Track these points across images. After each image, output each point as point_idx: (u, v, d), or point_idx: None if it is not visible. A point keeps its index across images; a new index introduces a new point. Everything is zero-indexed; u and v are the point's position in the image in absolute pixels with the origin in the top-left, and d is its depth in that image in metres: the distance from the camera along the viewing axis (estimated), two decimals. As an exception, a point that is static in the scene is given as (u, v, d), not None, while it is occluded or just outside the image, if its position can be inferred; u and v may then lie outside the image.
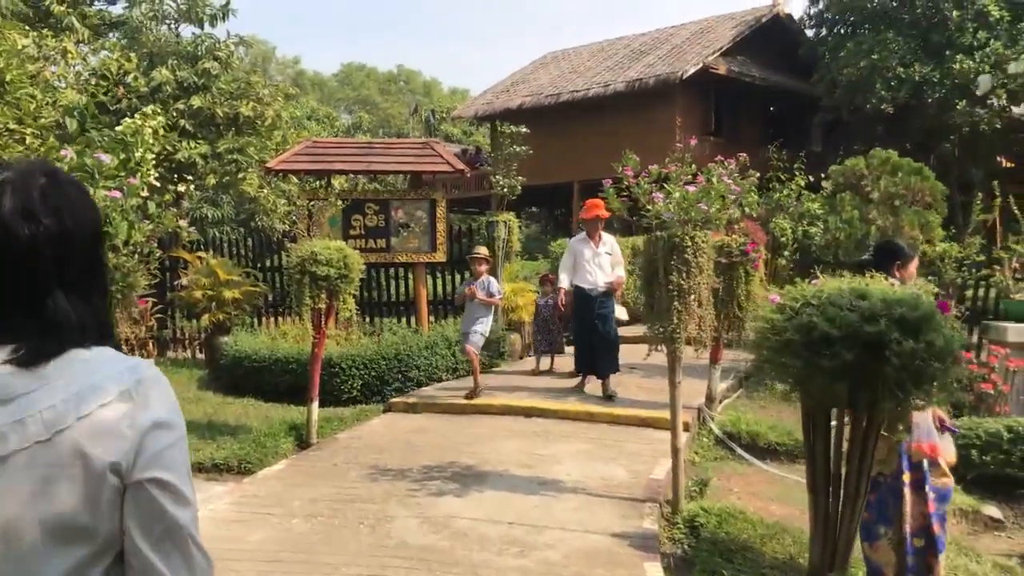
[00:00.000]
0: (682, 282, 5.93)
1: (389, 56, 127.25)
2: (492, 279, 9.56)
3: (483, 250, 9.72)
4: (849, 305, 2.79)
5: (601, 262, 9.38)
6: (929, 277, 10.47)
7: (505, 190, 11.94)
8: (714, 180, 5.93)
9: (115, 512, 1.24)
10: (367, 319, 12.93)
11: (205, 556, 1.32)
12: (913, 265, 4.62)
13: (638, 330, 13.80)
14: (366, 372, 9.82)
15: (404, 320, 13.21)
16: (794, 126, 26.03)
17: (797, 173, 10.31)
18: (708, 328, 6.19)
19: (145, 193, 5.13)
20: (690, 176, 6.09)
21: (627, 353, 9.68)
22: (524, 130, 12.28)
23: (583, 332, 9.47)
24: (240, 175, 15.58)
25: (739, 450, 7.98)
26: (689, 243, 5.93)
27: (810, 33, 26.60)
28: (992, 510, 7.30)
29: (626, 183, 6.15)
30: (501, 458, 7.28)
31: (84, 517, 1.22)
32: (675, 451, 6.22)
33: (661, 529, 5.89)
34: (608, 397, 9.19)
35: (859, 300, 2.80)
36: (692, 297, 5.98)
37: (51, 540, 1.20)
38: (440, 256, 12.03)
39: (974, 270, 10.85)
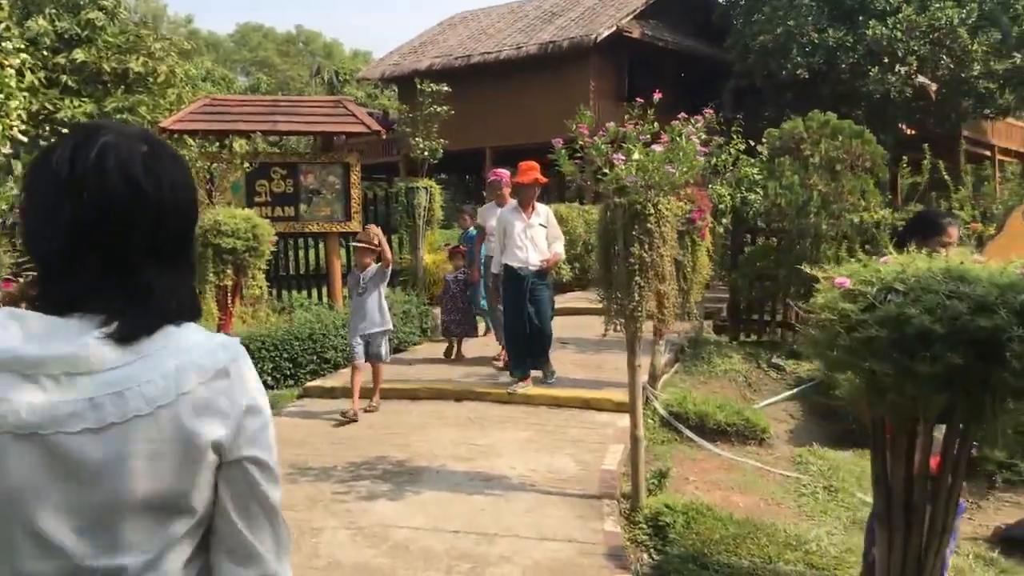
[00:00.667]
0: (644, 254, 5.31)
1: (287, 16, 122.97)
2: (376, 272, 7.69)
3: (368, 236, 7.82)
4: (949, 292, 2.15)
5: (534, 235, 7.98)
6: (866, 246, 10.17)
7: (425, 153, 11.08)
8: (681, 139, 5.27)
9: (210, 489, 1.25)
10: (275, 294, 11.95)
11: (289, 534, 1.37)
12: (951, 237, 4.01)
13: (567, 300, 13.27)
14: (277, 354, 8.88)
15: (316, 294, 12.27)
16: (705, 92, 25.78)
17: (735, 137, 9.80)
18: (671, 305, 5.59)
19: (8, 150, 4.16)
20: (649, 136, 5.43)
21: (558, 325, 8.89)
22: (445, 88, 11.43)
23: (517, 321, 8.00)
24: (131, 137, 14.19)
25: (688, 433, 7.45)
26: (652, 211, 5.31)
27: (722, -1, 26.36)
28: (951, 490, 6.96)
29: (580, 143, 5.44)
30: (436, 451, 6.55)
31: (184, 494, 1.21)
32: (635, 441, 5.61)
33: (623, 530, 5.28)
34: (546, 379, 8.26)
35: (959, 284, 2.17)
36: (654, 271, 5.38)
37: (151, 516, 1.20)
38: (355, 225, 11.11)
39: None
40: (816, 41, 21.01)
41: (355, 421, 7.32)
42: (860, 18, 20.98)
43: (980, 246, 9.18)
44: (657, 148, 5.21)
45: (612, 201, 5.42)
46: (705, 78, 26.10)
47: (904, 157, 11.51)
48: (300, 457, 6.39)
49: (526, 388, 7.97)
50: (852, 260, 8.34)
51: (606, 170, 5.40)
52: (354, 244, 8.25)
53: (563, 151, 5.64)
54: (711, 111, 5.67)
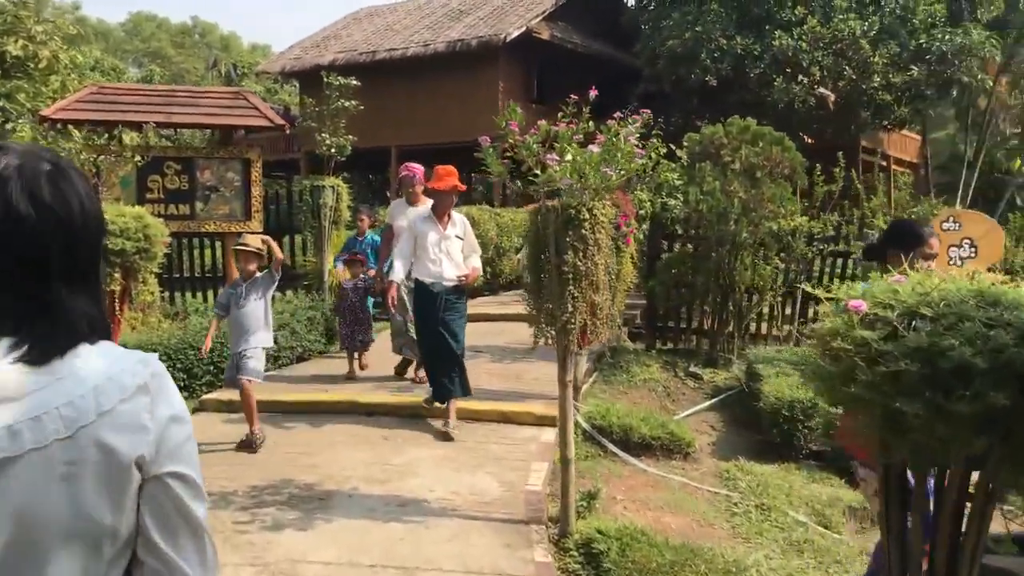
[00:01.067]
0: (578, 262, 4.96)
1: (182, 6, 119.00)
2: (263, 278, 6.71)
3: (254, 240, 6.78)
4: (987, 319, 1.83)
5: (450, 248, 7.07)
6: (781, 253, 10.11)
7: (332, 150, 10.50)
8: (620, 140, 4.93)
9: (134, 508, 1.22)
10: (168, 297, 11.16)
11: (215, 551, 1.33)
12: (933, 248, 3.70)
13: (479, 306, 12.86)
14: (170, 364, 8.11)
15: (212, 298, 11.52)
16: (614, 96, 25.79)
17: (656, 140, 9.53)
18: (604, 316, 5.24)
19: None
20: (582, 135, 5.08)
21: (469, 332, 8.29)
22: (354, 82, 10.87)
23: (431, 340, 7.08)
24: (9, 125, 13.09)
25: (613, 448, 7.15)
26: (587, 216, 4.96)
27: (631, 2, 26.44)
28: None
29: (511, 141, 5.05)
30: (347, 472, 6.04)
31: (109, 515, 1.17)
32: (566, 463, 5.24)
33: (553, 559, 4.90)
34: (444, 436, 6.94)
35: (999, 310, 1.85)
36: (588, 280, 5.03)
37: (73, 541, 1.15)
38: (255, 225, 10.46)
39: (825, 245, 10.64)
40: (724, 48, 21.21)
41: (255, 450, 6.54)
42: (767, 27, 21.27)
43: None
44: (593, 149, 4.87)
45: (544, 205, 5.06)
46: (613, 82, 26.07)
47: (818, 165, 11.52)
48: (196, 480, 5.79)
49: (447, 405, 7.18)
50: (768, 267, 8.18)
51: (537, 171, 5.03)
52: (236, 248, 6.94)
53: (491, 150, 5.24)
54: (647, 111, 5.34)
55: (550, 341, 5.16)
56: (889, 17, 21.32)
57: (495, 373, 8.82)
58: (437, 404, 7.24)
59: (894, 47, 21.04)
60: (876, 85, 21.28)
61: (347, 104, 10.66)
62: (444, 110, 23.81)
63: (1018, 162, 28.20)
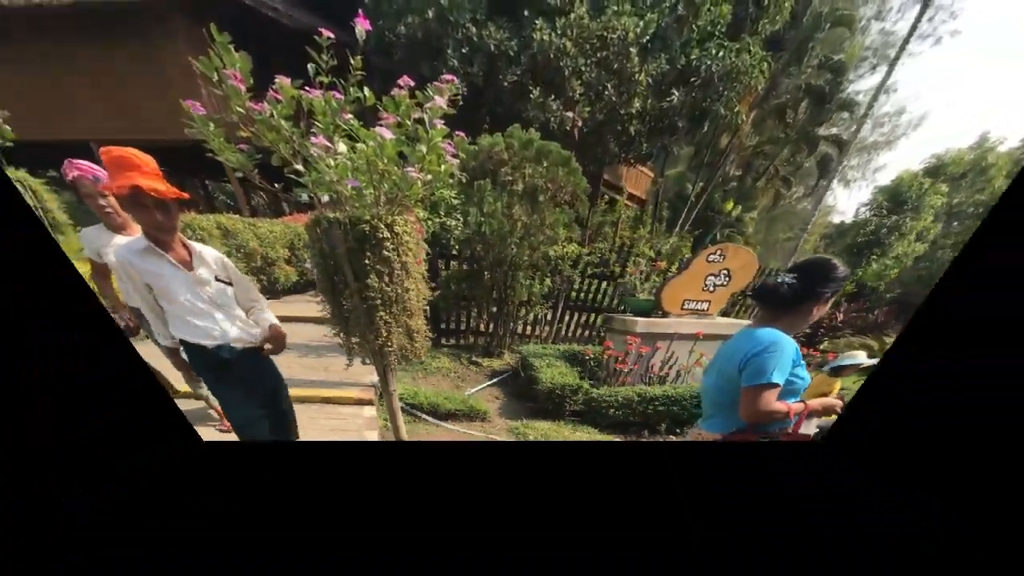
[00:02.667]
0: (385, 287, 4.22)
1: None
2: None
3: None
4: None
5: (216, 296, 3.39)
6: (550, 275, 10.46)
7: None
8: (424, 124, 3.66)
9: None
10: None
11: None
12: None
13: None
14: None
15: None
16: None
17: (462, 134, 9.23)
18: (422, 338, 5.05)
19: None
20: (350, 110, 3.57)
21: None
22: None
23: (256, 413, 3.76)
24: None
25: (426, 416, 7.82)
26: (387, 234, 3.97)
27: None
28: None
29: (238, 108, 3.28)
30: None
31: None
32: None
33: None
34: None
35: None
36: (401, 305, 4.46)
37: None
38: None
39: (589, 268, 11.08)
40: (475, 41, 16.92)
41: None
42: (526, 13, 16.93)
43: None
44: (384, 133, 3.50)
45: (323, 217, 3.94)
46: (332, 73, 23.58)
47: (605, 195, 11.92)
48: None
49: None
50: (539, 285, 8.50)
51: (298, 166, 3.57)
52: None
53: (210, 124, 3.30)
54: (451, 77, 3.66)
55: (367, 361, 4.76)
56: (668, 16, 17.45)
57: (307, 366, 8.78)
58: None
59: (663, 63, 17.24)
60: (633, 111, 17.61)
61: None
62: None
63: (731, 204, 29.93)
